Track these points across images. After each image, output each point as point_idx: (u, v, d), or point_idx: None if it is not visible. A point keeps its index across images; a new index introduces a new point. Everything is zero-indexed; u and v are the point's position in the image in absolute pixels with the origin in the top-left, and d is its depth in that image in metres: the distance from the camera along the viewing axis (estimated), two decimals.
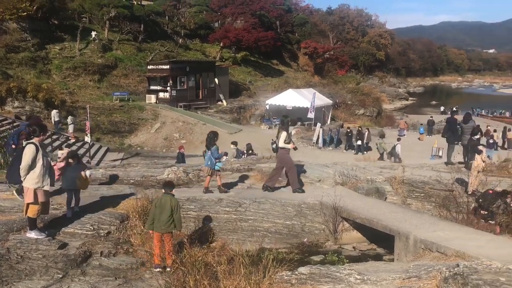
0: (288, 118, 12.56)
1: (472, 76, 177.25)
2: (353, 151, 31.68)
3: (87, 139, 25.25)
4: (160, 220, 8.05)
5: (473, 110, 48.21)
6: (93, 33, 45.75)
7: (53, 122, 28.26)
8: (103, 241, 8.71)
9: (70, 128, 28.20)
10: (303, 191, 12.19)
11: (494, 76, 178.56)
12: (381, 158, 26.38)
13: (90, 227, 8.98)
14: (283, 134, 11.96)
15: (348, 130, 34.15)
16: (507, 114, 62.11)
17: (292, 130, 12.04)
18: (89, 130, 25.01)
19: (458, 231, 9.35)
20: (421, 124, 44.82)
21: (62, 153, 23.77)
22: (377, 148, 27.93)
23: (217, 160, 11.68)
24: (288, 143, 11.99)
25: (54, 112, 28.85)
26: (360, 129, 33.92)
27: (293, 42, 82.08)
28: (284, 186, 12.74)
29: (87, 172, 9.88)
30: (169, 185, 8.54)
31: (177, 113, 36.70)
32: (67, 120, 28.51)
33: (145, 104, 37.98)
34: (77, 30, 43.05)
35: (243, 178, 13.56)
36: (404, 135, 38.95)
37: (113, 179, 13.14)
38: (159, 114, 35.88)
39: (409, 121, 51.54)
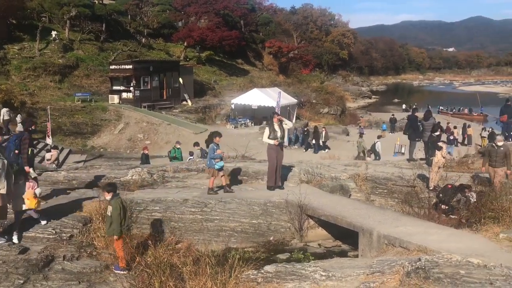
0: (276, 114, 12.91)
1: (433, 74, 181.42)
2: (308, 150, 31.80)
3: (49, 141, 24.69)
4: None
5: (428, 107, 49.19)
6: (53, 33, 44.69)
7: (1, 120, 27.14)
8: (66, 244, 8.55)
9: (19, 127, 27.02)
10: (273, 189, 12.28)
11: (454, 74, 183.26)
12: (359, 157, 25.90)
13: (52, 230, 8.80)
14: (266, 130, 12.30)
15: (305, 129, 34.23)
16: (466, 110, 63.77)
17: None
18: (50, 132, 24.45)
19: (420, 226, 9.54)
20: (383, 122, 45.69)
21: (51, 154, 23.49)
22: (357, 147, 27.67)
23: (216, 160, 11.71)
24: (273, 139, 12.17)
25: (4, 111, 27.59)
26: (316, 127, 33.78)
27: (258, 41, 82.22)
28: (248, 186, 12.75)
29: (37, 190, 8.82)
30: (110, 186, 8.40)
31: (141, 113, 36.26)
32: (16, 118, 27.41)
33: (108, 104, 37.36)
34: (37, 29, 41.95)
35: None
36: (364, 133, 39.47)
37: (97, 179, 12.84)
38: (123, 114, 35.37)
39: (372, 119, 52.46)
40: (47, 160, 22.11)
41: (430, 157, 13.49)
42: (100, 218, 9.46)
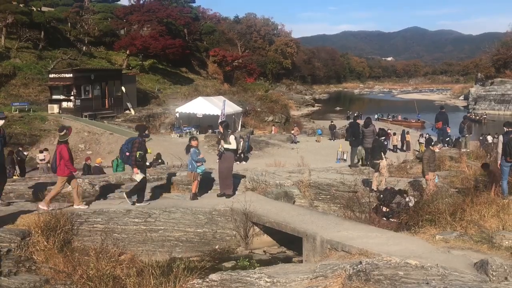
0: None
1: (373, 82, 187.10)
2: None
3: None
4: None
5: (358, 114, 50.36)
6: None
7: None
8: (3, 259, 8.20)
9: None
10: (229, 196, 12.47)
11: (392, 83, 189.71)
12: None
13: None
14: (232, 137, 12.60)
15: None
16: (399, 117, 66.23)
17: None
18: None
19: (361, 230, 9.79)
20: (318, 128, 46.74)
21: (44, 155, 22.73)
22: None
23: (198, 164, 12.19)
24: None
25: None
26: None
27: (202, 50, 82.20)
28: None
29: None
30: None
31: (82, 123, 35.38)
32: None
33: (47, 114, 36.25)
34: None
35: (152, 188, 13.34)
36: (298, 141, 40.09)
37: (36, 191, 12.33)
38: (63, 124, 34.37)
39: (315, 126, 53.48)
40: (41, 160, 23.31)
41: (374, 160, 13.89)
42: (40, 231, 9.15)
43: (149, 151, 11.97)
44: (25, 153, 23.46)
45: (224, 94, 53.12)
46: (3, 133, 10.88)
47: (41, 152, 24.64)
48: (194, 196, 12.27)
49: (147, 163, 12.82)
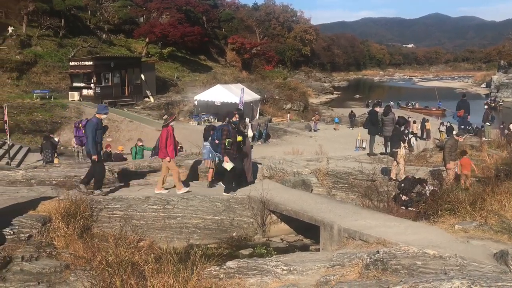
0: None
1: (393, 70, 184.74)
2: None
3: (7, 139, 24.14)
4: None
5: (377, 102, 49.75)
6: (10, 29, 43.47)
7: None
8: (24, 245, 8.34)
9: None
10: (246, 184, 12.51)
11: (413, 70, 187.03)
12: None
13: (10, 231, 8.57)
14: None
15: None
16: (417, 105, 65.50)
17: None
18: (7, 130, 23.88)
19: (379, 219, 9.74)
20: (336, 116, 46.47)
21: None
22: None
23: (216, 154, 12.22)
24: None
25: None
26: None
27: (220, 37, 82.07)
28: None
29: None
30: None
31: None
32: None
33: (68, 102, 36.67)
34: None
35: (170, 175, 13.43)
36: (318, 129, 40.01)
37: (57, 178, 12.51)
38: (83, 112, 34.74)
39: (334, 114, 53.18)
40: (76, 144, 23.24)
41: (393, 149, 13.79)
42: (60, 218, 9.29)
43: (239, 138, 11.84)
44: (56, 139, 23.89)
45: (242, 82, 53.03)
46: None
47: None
48: (212, 184, 12.37)
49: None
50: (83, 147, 13.51)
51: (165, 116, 11.80)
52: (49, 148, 21.78)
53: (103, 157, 20.66)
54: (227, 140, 11.27)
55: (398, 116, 16.36)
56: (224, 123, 11.97)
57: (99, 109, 11.53)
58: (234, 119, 11.95)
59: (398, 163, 13.61)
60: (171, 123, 11.50)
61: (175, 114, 11.85)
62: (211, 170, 12.47)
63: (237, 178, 11.92)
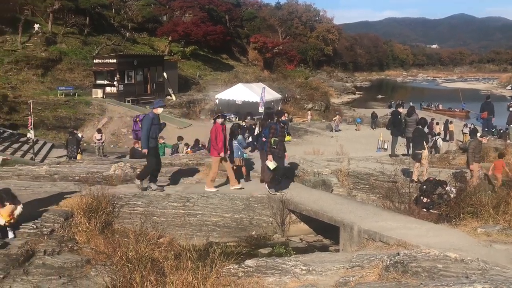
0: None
1: (416, 70, 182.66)
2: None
3: (30, 135, 24.51)
4: None
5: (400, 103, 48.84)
6: (36, 26, 44.14)
7: None
8: (47, 239, 8.46)
9: None
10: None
11: (437, 71, 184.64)
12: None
13: (33, 225, 8.71)
14: None
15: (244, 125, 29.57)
16: (440, 106, 64.58)
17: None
18: (31, 126, 24.26)
19: (400, 220, 9.65)
20: (358, 116, 46.07)
21: (101, 135, 23.78)
22: None
23: (244, 150, 12.78)
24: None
25: None
26: (253, 125, 26.87)
27: (243, 36, 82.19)
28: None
29: (17, 211, 8.15)
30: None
31: (124, 108, 36.06)
32: None
33: (91, 99, 37.11)
34: (19, 22, 41.43)
35: (192, 173, 13.50)
36: (340, 129, 39.78)
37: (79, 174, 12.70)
38: (106, 109, 35.14)
39: (356, 114, 52.78)
40: (98, 140, 24.95)
41: (417, 151, 13.66)
42: (82, 213, 9.41)
43: (288, 138, 11.79)
44: (79, 134, 24.34)
45: (264, 81, 53.02)
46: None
47: (98, 132, 25.79)
48: (248, 178, 12.82)
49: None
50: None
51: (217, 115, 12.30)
52: (74, 144, 22.25)
53: (132, 154, 20.93)
54: (273, 138, 11.11)
55: (420, 118, 16.20)
56: (271, 121, 11.79)
57: (155, 103, 11.70)
58: (283, 118, 11.81)
59: (421, 164, 13.47)
60: (219, 120, 11.74)
61: (222, 112, 12.02)
62: (243, 168, 12.74)
63: (278, 177, 11.80)
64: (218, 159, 11.49)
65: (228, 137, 12.09)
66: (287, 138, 11.74)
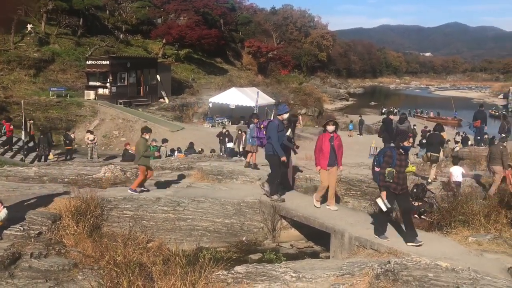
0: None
1: (409, 78, 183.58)
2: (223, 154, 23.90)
3: (22, 136, 24.34)
4: None
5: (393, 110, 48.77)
6: (29, 26, 43.89)
7: None
8: (34, 242, 8.35)
9: None
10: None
11: (430, 79, 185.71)
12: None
13: (20, 227, 8.59)
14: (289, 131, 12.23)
15: (224, 131, 28.68)
16: (431, 114, 64.86)
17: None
18: (23, 127, 24.12)
19: (391, 228, 9.60)
20: (351, 121, 45.99)
21: (93, 136, 23.55)
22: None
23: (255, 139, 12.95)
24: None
25: None
26: (239, 131, 24.95)
27: (237, 40, 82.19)
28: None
29: (2, 213, 8.07)
30: None
31: (117, 110, 35.87)
32: None
33: (83, 100, 36.89)
34: (12, 22, 41.13)
35: (182, 177, 13.42)
36: None
37: (68, 176, 12.61)
38: (98, 110, 34.95)
39: (348, 120, 52.82)
40: (91, 140, 24.43)
41: (433, 153, 14.15)
42: (70, 216, 9.30)
43: (411, 169, 9.96)
44: (71, 135, 24.19)
45: (258, 86, 53.01)
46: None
47: (91, 133, 25.63)
48: (255, 166, 13.75)
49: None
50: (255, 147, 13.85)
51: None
52: (46, 143, 22.68)
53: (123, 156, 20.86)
54: (387, 170, 8.54)
55: (436, 124, 16.45)
56: (389, 145, 9.54)
57: (280, 110, 11.47)
58: (406, 143, 8.79)
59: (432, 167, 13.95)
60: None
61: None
62: (253, 154, 13.61)
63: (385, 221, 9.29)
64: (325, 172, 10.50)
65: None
66: (410, 168, 9.67)
